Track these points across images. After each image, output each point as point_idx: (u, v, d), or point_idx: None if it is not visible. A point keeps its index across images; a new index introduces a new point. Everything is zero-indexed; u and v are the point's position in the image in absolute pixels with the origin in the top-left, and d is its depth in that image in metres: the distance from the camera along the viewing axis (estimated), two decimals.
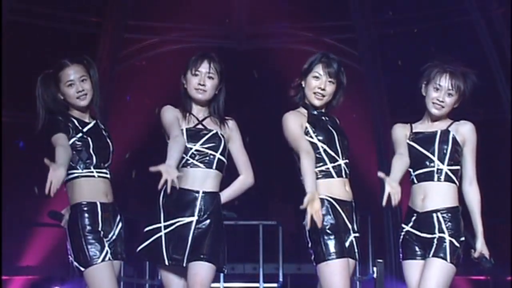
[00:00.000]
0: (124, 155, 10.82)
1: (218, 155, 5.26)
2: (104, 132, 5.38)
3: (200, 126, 5.32)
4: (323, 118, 5.30)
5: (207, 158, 5.26)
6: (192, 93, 5.29)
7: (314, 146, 5.19)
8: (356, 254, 5.18)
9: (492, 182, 10.00)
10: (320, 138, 5.22)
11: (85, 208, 5.13)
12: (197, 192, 5.19)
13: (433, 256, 5.11)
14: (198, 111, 5.35)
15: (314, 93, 5.20)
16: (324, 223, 5.04)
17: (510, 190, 10.12)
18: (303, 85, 5.28)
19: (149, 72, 10.87)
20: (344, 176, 5.17)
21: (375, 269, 8.68)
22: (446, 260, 5.09)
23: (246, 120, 10.91)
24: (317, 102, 5.22)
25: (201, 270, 5.16)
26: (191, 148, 5.24)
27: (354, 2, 11.14)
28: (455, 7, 10.80)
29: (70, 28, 10.70)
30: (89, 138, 5.25)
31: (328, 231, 5.08)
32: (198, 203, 5.18)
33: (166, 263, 5.13)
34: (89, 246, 5.10)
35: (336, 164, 5.18)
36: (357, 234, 5.20)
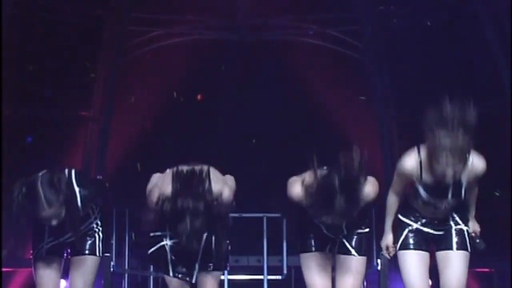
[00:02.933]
0: (129, 148, 10.87)
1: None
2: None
3: None
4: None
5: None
6: None
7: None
8: (350, 249, 5.28)
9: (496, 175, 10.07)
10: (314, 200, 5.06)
11: None
12: None
13: (457, 249, 5.24)
14: None
15: None
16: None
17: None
18: None
19: (152, 65, 10.88)
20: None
21: (379, 261, 8.43)
22: (467, 250, 5.25)
23: (250, 111, 10.87)
24: None
25: (211, 280, 5.30)
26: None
27: None
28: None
29: (74, 21, 10.69)
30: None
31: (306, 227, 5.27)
32: None
33: (171, 274, 5.26)
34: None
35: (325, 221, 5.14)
36: (350, 234, 5.28)
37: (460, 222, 5.32)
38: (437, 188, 5.18)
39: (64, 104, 10.59)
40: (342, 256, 5.31)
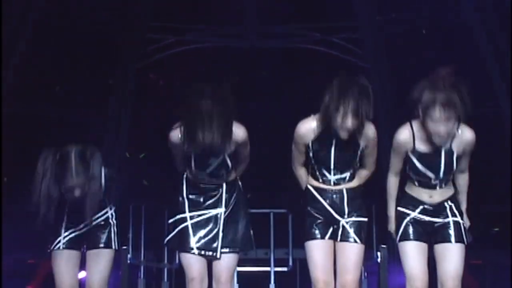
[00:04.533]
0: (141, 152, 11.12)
1: (228, 171, 5.25)
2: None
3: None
4: (334, 139, 5.15)
5: (219, 177, 5.25)
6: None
7: (310, 160, 5.26)
8: (356, 239, 5.23)
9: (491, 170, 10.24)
10: (315, 156, 5.20)
11: None
12: (220, 185, 5.25)
13: (456, 241, 5.20)
14: None
15: (342, 128, 5.06)
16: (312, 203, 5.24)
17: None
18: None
19: (167, 70, 11.03)
20: (333, 185, 5.24)
21: (379, 253, 8.72)
22: (463, 242, 5.22)
23: (257, 113, 11.02)
24: (344, 135, 5.11)
25: (230, 259, 5.26)
26: (202, 174, 5.22)
27: (359, 4, 11.06)
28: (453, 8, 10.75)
29: (92, 28, 10.78)
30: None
31: (313, 212, 5.24)
32: (224, 194, 5.24)
33: (196, 252, 5.19)
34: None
35: (326, 179, 5.25)
36: (354, 219, 5.25)
37: (456, 213, 5.30)
38: (431, 156, 5.18)
39: (84, 106, 10.73)
40: (343, 243, 5.24)
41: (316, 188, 5.27)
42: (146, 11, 11.28)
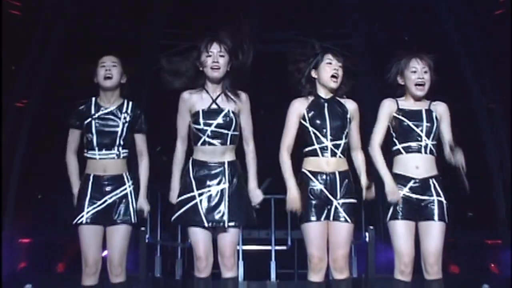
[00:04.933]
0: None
1: (231, 132, 5.25)
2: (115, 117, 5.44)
3: (214, 106, 5.26)
4: (326, 104, 5.33)
5: (222, 136, 5.25)
6: (208, 72, 5.26)
7: (306, 129, 5.31)
8: (346, 218, 5.26)
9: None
10: (312, 122, 5.29)
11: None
12: (223, 163, 5.25)
13: (439, 220, 5.23)
14: (213, 90, 5.30)
15: (332, 76, 5.26)
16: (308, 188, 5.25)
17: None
18: (315, 76, 5.32)
19: None
20: (330, 155, 5.28)
21: (367, 234, 8.91)
22: (445, 220, 5.26)
23: (259, 102, 11.10)
24: (334, 85, 5.27)
25: (232, 232, 5.25)
26: (206, 130, 5.24)
27: (348, 14, 11.26)
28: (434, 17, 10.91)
29: (110, 35, 10.64)
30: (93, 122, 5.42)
31: (310, 196, 5.25)
32: (226, 171, 5.24)
33: (206, 225, 5.18)
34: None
35: (323, 145, 5.29)
36: (346, 200, 5.28)
37: (440, 193, 5.29)
38: (415, 112, 5.33)
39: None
40: (336, 223, 5.26)
41: (311, 172, 5.28)
42: (160, 19, 11.26)
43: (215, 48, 5.26)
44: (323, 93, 5.36)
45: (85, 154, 5.45)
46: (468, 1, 10.49)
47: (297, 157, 5.44)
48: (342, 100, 5.38)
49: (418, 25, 10.96)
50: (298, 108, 5.34)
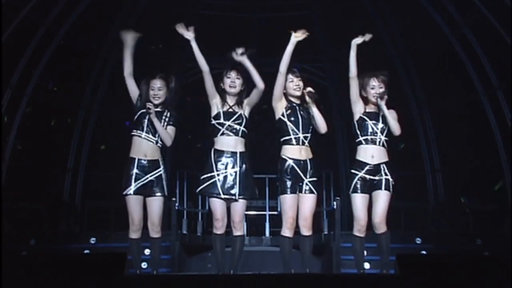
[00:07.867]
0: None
1: (242, 127, 5.30)
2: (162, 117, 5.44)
3: (230, 110, 5.32)
4: (296, 107, 5.36)
5: (235, 129, 5.28)
6: (227, 89, 5.36)
7: (284, 123, 5.30)
8: (313, 191, 5.27)
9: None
10: (289, 119, 5.29)
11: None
12: (236, 152, 5.29)
13: (384, 189, 5.25)
14: (231, 100, 5.37)
15: (294, 88, 5.31)
16: (286, 170, 5.24)
17: None
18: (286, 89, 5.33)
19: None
20: (301, 144, 5.28)
21: (335, 203, 8.85)
22: (389, 191, 5.29)
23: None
24: (298, 93, 5.34)
25: (241, 203, 5.32)
26: (225, 124, 5.27)
27: (321, 43, 10.92)
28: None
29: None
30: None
31: (287, 176, 5.28)
32: (238, 159, 5.27)
33: (222, 196, 5.23)
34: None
35: (296, 136, 5.27)
36: (312, 179, 5.28)
37: (388, 174, 5.29)
38: (375, 114, 5.34)
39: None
40: (305, 195, 5.29)
41: (290, 158, 5.31)
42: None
43: (233, 73, 5.39)
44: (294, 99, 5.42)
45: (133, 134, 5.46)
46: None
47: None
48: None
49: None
50: (282, 103, 5.38)
